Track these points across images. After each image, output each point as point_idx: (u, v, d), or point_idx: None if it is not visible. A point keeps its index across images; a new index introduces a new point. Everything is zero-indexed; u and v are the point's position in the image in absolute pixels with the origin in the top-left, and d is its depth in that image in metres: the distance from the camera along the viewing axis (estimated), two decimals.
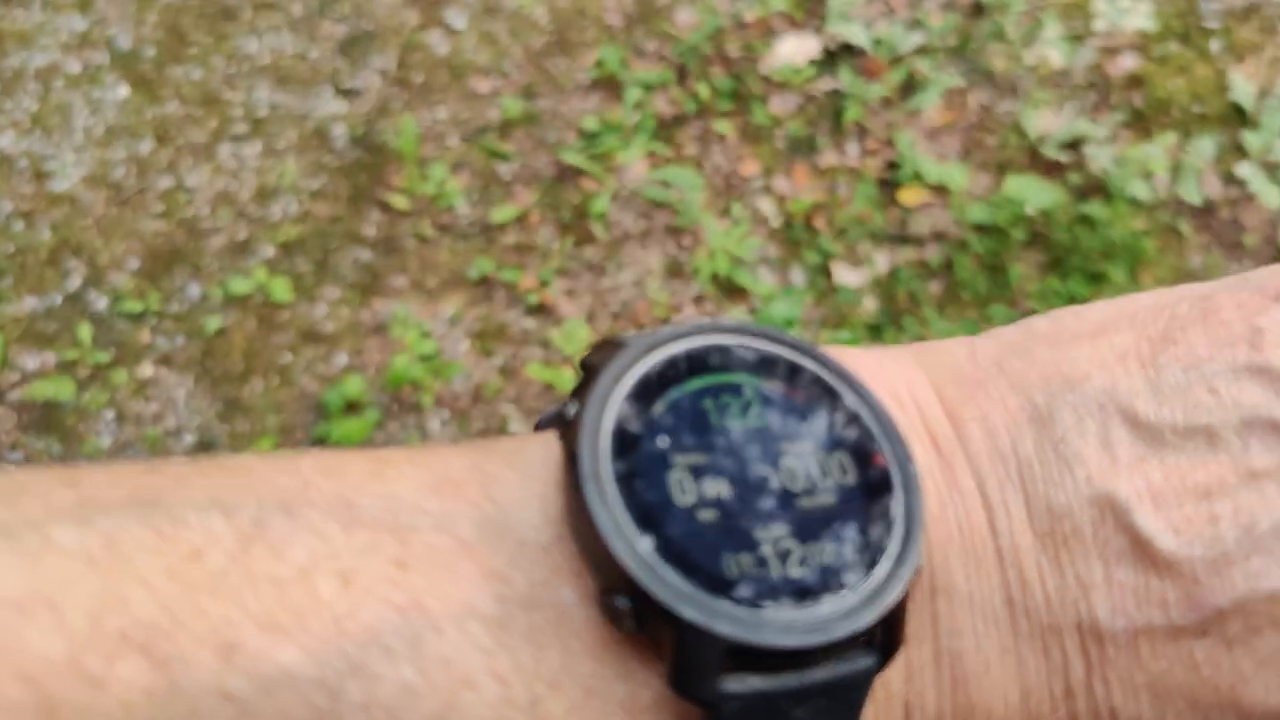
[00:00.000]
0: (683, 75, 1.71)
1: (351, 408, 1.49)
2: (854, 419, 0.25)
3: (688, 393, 0.24)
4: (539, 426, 0.26)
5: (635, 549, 0.22)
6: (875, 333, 1.47)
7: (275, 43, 1.81)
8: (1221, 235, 1.55)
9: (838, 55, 1.72)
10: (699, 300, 1.53)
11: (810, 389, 0.26)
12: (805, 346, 0.26)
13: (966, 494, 0.25)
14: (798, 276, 1.53)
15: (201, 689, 0.19)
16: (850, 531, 0.23)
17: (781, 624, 0.22)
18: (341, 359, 1.54)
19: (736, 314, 1.48)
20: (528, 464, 0.25)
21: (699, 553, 0.22)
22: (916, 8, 1.76)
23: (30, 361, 1.59)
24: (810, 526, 0.23)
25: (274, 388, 1.54)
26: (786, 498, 0.23)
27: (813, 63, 1.71)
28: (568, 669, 0.22)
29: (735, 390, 0.25)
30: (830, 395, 0.26)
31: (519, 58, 1.76)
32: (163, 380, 1.56)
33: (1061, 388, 0.26)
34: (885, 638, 0.23)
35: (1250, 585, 0.23)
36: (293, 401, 1.53)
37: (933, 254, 1.53)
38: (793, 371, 0.26)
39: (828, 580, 0.23)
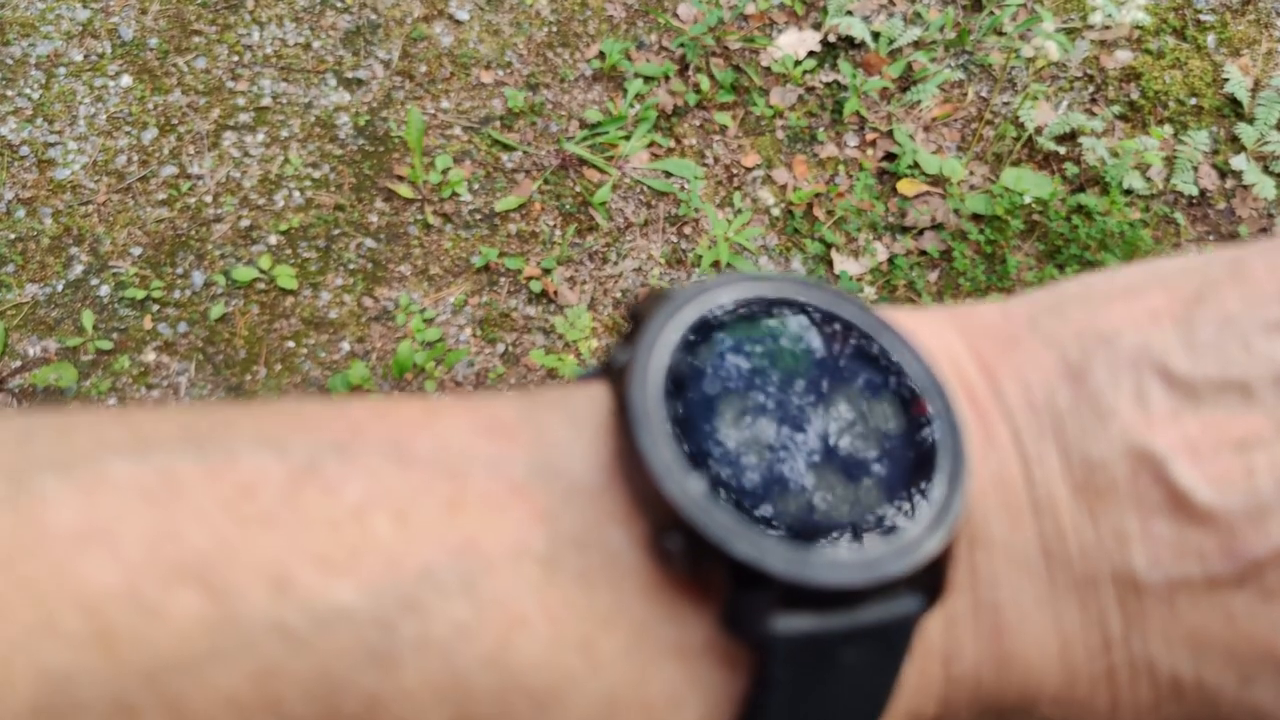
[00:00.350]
0: (683, 67, 1.72)
1: (355, 395, 1.50)
2: (897, 368, 0.26)
3: (736, 338, 0.25)
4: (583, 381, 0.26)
5: (687, 488, 0.22)
6: None
7: (279, 33, 1.82)
8: (1217, 226, 1.56)
9: (837, 48, 1.74)
10: None
11: (856, 338, 0.26)
12: (849, 298, 0.27)
13: (1003, 447, 0.26)
14: (798, 265, 1.55)
15: (256, 621, 0.20)
16: (896, 475, 0.24)
17: (831, 562, 0.22)
18: (345, 346, 1.54)
19: None
20: (576, 411, 0.25)
21: (749, 493, 0.22)
22: (915, 1, 1.78)
23: (32, 348, 1.59)
24: (857, 470, 0.24)
25: (277, 375, 1.54)
26: (833, 442, 0.24)
27: (812, 55, 1.72)
28: (619, 610, 0.22)
29: (782, 337, 0.25)
30: (875, 345, 0.26)
31: (522, 50, 1.78)
32: (165, 367, 1.57)
33: (1095, 343, 0.26)
34: (931, 581, 0.24)
35: None
36: (296, 388, 1.53)
37: (931, 243, 1.55)
38: (838, 321, 0.26)
39: (875, 521, 0.23)
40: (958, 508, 0.24)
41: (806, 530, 0.22)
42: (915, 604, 0.23)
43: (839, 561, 0.22)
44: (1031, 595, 0.25)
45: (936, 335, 0.28)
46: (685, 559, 0.22)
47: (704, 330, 0.25)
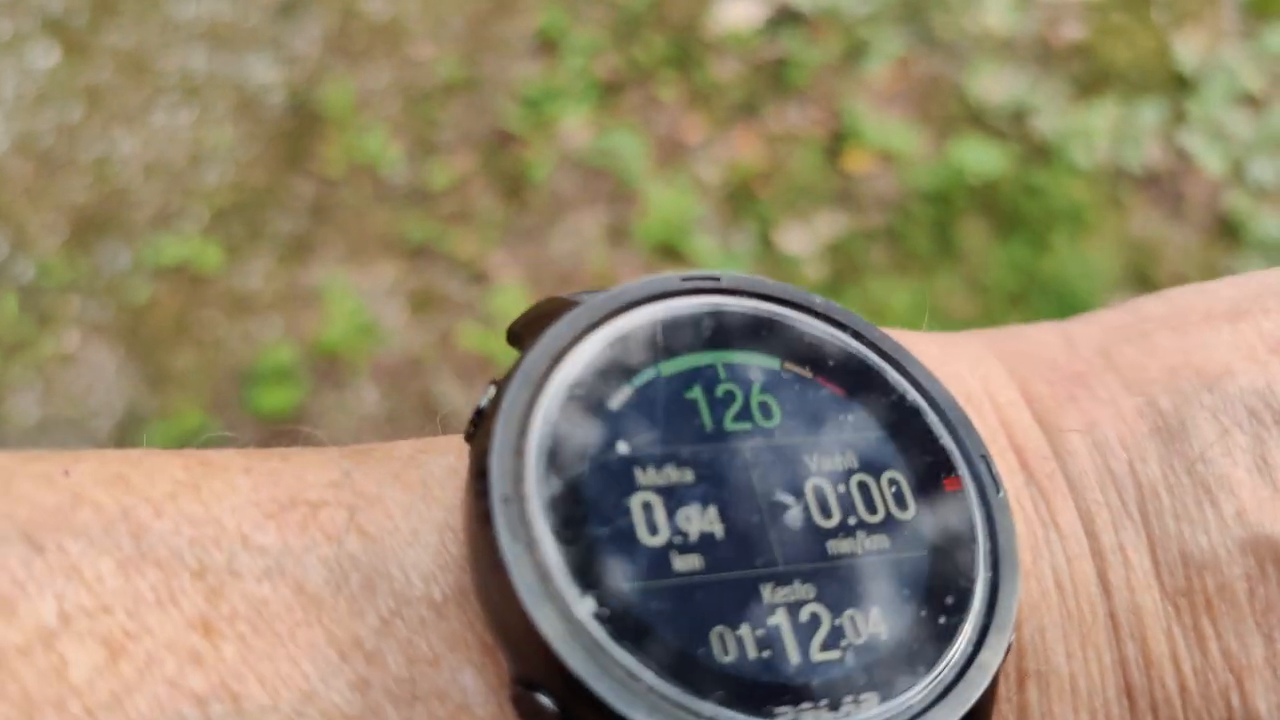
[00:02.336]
0: (624, 39, 1.69)
1: (281, 377, 1.46)
2: (915, 420, 0.18)
3: (666, 378, 0.17)
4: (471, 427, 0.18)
5: (569, 618, 0.14)
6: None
7: (212, 8, 1.77)
8: (1162, 202, 1.54)
9: (782, 22, 1.71)
10: (644, 268, 1.52)
11: (852, 375, 0.18)
12: (841, 314, 0.19)
13: (1068, 535, 0.19)
14: (741, 242, 1.52)
15: None
16: (909, 592, 0.16)
17: None
18: (273, 328, 1.51)
19: None
20: (427, 478, 0.17)
21: (672, 625, 0.15)
22: None
23: None
24: (847, 584, 0.16)
25: (205, 358, 1.50)
26: (812, 540, 0.16)
27: (758, 29, 1.69)
28: None
29: (737, 375, 0.17)
30: (882, 386, 0.18)
31: (459, 25, 1.74)
32: (91, 351, 1.52)
33: (1195, 386, 0.19)
34: None
35: None
36: (224, 371, 1.49)
37: (878, 219, 1.52)
38: (825, 350, 0.18)
39: (872, 668, 0.15)
40: (1004, 638, 0.16)
41: (759, 691, 0.15)
42: None
43: None
44: None
45: (972, 369, 0.20)
46: None
47: (616, 367, 0.17)
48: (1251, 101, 1.60)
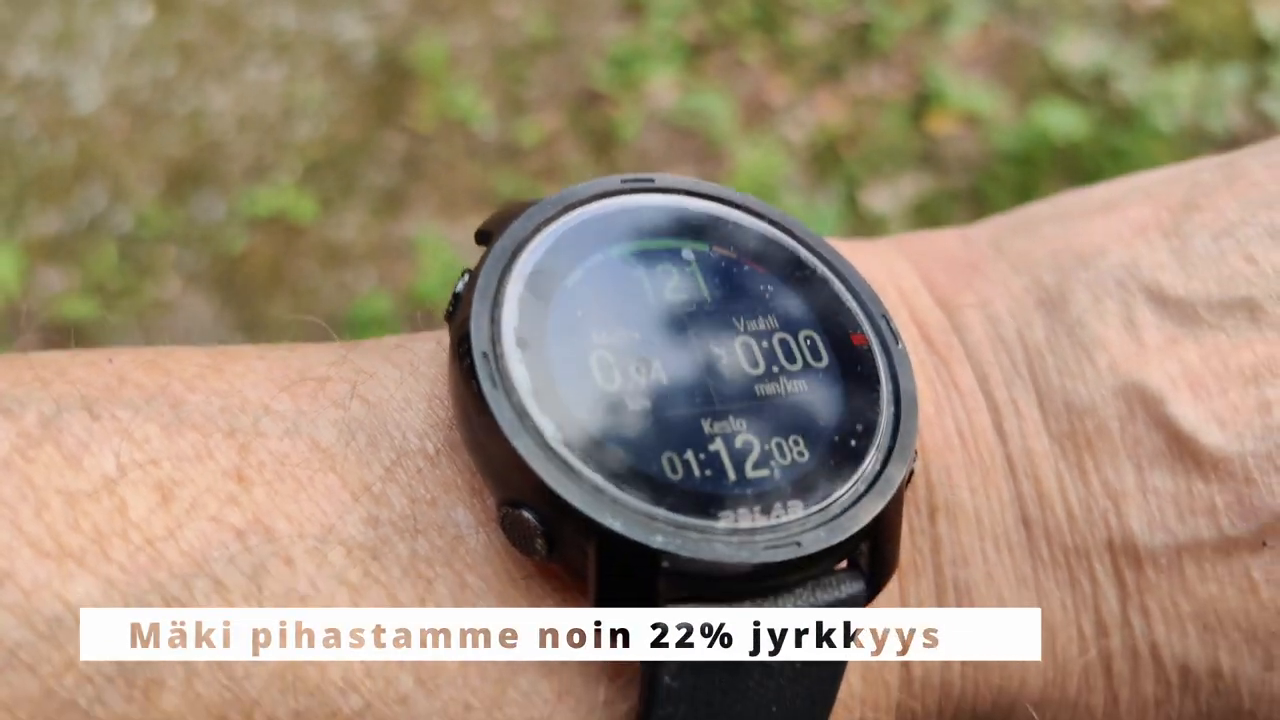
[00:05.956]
0: (709, 2, 1.71)
1: (379, 327, 1.49)
2: (825, 289, 0.21)
3: (611, 260, 0.20)
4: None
5: (544, 445, 0.17)
6: None
7: None
8: None
9: None
10: None
11: (770, 255, 0.21)
12: (764, 209, 0.22)
13: (967, 392, 0.22)
14: (826, 200, 1.54)
15: None
16: (824, 423, 0.19)
17: (738, 537, 0.17)
18: (367, 278, 1.54)
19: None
20: (413, 358, 0.20)
21: (630, 451, 0.17)
22: None
23: (55, 282, 1.58)
24: (773, 418, 0.19)
25: (300, 307, 1.54)
26: (742, 384, 0.19)
27: None
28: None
29: (674, 256, 0.20)
30: (796, 263, 0.21)
31: None
32: (189, 299, 1.56)
33: (1073, 264, 0.22)
34: (874, 559, 0.19)
35: None
36: (319, 320, 1.53)
37: (962, 181, 1.54)
38: (747, 235, 0.21)
39: (796, 482, 0.18)
40: (907, 458, 0.19)
41: (702, 499, 0.18)
42: (853, 588, 0.18)
43: (747, 535, 0.17)
44: (1009, 572, 0.21)
45: (879, 262, 0.24)
46: (544, 538, 0.17)
47: (571, 251, 0.20)
48: None
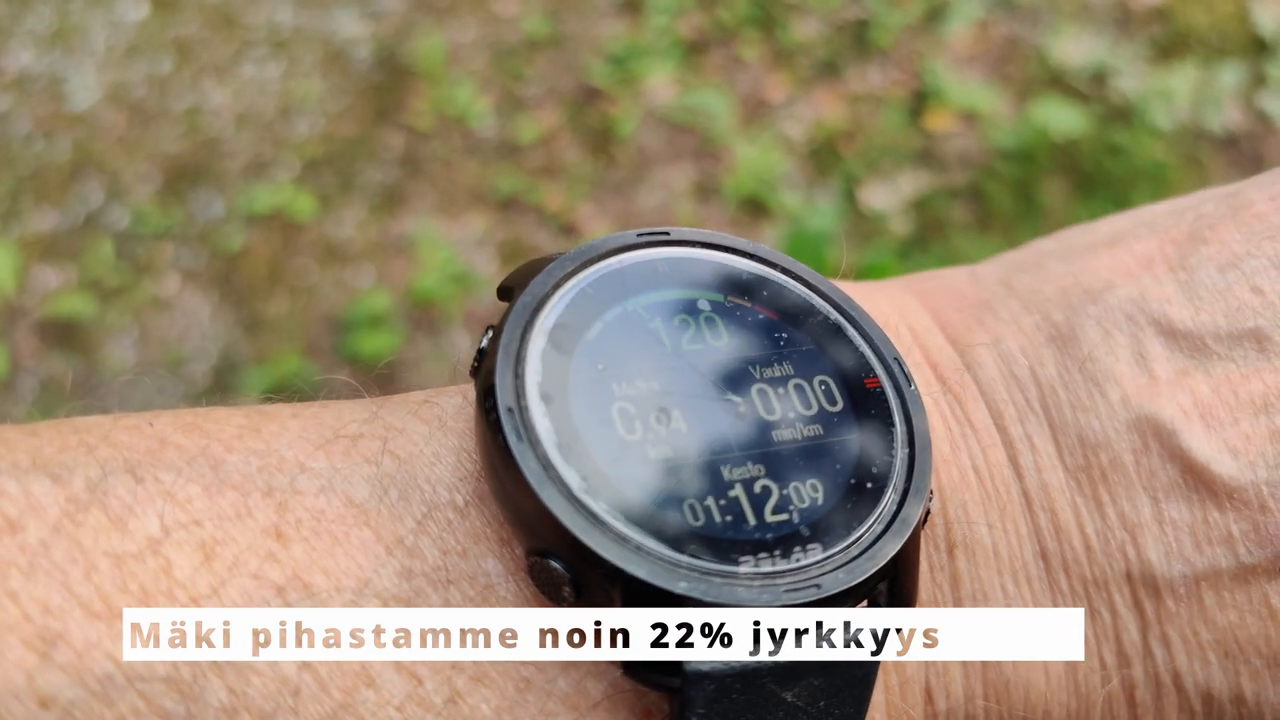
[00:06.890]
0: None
1: (377, 323, 1.49)
2: (838, 334, 0.21)
3: (630, 313, 0.20)
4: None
5: (570, 496, 0.18)
6: (904, 253, 1.48)
7: None
8: (1242, 163, 1.56)
9: None
10: (730, 222, 1.54)
11: (784, 303, 0.21)
12: (776, 258, 0.23)
13: (981, 429, 0.22)
14: (826, 198, 1.54)
15: (9, 692, 0.15)
16: (841, 466, 0.19)
17: (759, 581, 0.18)
18: (366, 276, 1.54)
19: (765, 234, 1.48)
20: (441, 413, 0.21)
21: (652, 500, 0.18)
22: None
23: (51, 279, 1.58)
24: (790, 463, 0.19)
25: (299, 304, 1.53)
26: (760, 430, 0.19)
27: None
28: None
29: (691, 307, 0.21)
30: (808, 309, 0.22)
31: None
32: (186, 297, 1.56)
33: (1082, 300, 0.22)
34: (893, 597, 0.19)
35: None
36: (317, 318, 1.53)
37: (960, 178, 1.54)
38: (761, 285, 0.22)
39: (815, 525, 0.19)
40: (923, 498, 0.20)
41: (724, 544, 0.18)
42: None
43: (768, 579, 0.18)
44: (1028, 605, 0.21)
45: (894, 305, 0.24)
46: (572, 586, 0.18)
47: (590, 305, 0.20)
48: None
